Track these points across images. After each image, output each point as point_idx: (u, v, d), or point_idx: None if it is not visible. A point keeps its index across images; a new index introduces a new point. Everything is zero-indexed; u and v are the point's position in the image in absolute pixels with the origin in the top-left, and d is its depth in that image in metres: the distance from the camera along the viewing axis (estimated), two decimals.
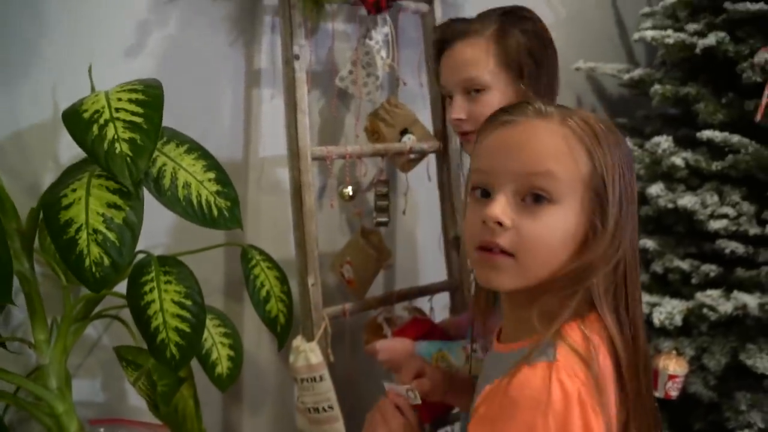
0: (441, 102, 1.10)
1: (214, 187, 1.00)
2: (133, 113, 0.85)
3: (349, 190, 1.39)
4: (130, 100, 0.86)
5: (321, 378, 1.28)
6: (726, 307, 1.48)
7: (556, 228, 0.63)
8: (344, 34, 1.56)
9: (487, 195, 0.65)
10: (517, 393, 0.58)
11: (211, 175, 1.01)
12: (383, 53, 1.42)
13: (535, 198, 0.63)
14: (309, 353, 1.27)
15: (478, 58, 1.01)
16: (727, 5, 1.58)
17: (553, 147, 0.63)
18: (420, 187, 1.60)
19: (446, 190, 1.55)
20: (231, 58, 1.42)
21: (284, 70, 1.32)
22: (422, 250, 1.69)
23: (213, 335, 1.08)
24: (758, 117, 1.53)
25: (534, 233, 0.62)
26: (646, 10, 1.86)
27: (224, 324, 1.11)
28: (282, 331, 1.16)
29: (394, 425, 0.77)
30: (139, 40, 1.29)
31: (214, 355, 1.07)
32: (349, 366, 1.48)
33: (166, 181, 0.95)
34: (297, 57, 1.30)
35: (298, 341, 1.30)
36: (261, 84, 1.47)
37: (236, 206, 1.02)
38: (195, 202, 0.97)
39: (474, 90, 1.01)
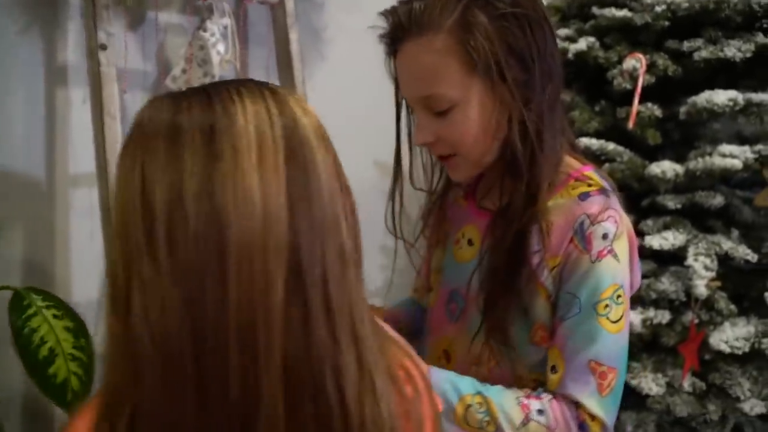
0: (397, 110, 0.82)
1: None
2: None
3: None
4: None
5: None
6: None
7: None
8: (179, 27, 1.32)
9: None
10: None
11: None
12: (220, 48, 1.20)
13: None
14: None
15: (435, 67, 0.74)
16: (595, 11, 1.53)
17: None
18: None
19: None
20: (23, 49, 1.13)
21: (88, 63, 1.06)
22: None
23: None
24: (630, 124, 1.47)
25: None
26: None
27: None
28: (74, 399, 0.88)
29: None
30: None
31: None
32: None
33: None
34: (104, 47, 1.04)
35: None
36: (68, 83, 1.19)
37: None
38: None
39: (438, 110, 0.75)
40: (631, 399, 1.46)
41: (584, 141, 1.44)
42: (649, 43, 1.50)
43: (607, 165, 1.49)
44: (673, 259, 1.42)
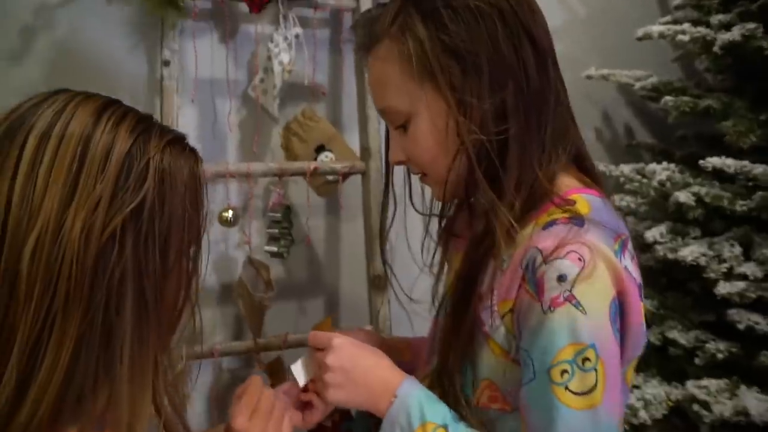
0: (386, 128, 0.75)
1: None
2: None
3: (229, 214, 1.20)
4: None
5: None
6: (724, 408, 1.05)
7: None
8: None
9: None
10: None
11: None
12: (283, 57, 1.22)
13: None
14: None
15: (381, 78, 0.68)
16: None
17: None
18: (338, 214, 1.36)
19: (371, 220, 1.30)
20: (130, 66, 1.30)
21: (160, 77, 1.19)
22: (338, 290, 1.44)
23: None
24: None
25: None
26: (678, 1, 1.43)
27: None
28: None
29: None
30: (23, 45, 1.22)
31: None
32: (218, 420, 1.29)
33: None
34: (167, 63, 1.15)
35: None
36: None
37: None
38: None
39: (398, 125, 0.69)
40: None
41: (712, 161, 1.10)
42: None
43: (759, 193, 1.12)
44: None
